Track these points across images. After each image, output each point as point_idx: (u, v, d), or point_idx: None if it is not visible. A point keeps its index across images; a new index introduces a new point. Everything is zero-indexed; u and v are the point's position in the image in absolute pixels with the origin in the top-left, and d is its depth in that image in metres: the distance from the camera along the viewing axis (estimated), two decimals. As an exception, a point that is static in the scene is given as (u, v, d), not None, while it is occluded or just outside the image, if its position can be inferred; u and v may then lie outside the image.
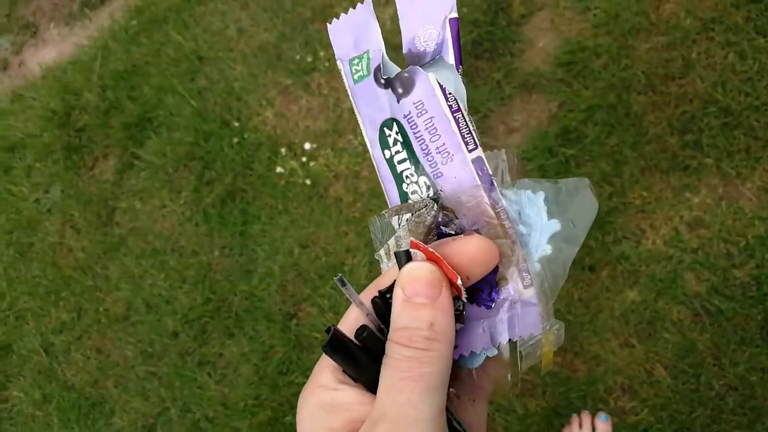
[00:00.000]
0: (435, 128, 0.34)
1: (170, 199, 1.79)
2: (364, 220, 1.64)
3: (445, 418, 0.31)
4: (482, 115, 1.66)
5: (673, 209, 1.47)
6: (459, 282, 0.32)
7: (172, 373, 1.67)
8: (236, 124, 1.79)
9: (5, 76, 2.20)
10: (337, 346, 0.32)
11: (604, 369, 1.44)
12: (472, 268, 0.32)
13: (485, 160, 0.34)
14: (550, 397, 1.47)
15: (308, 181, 1.69)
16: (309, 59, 1.79)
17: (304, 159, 1.72)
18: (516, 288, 0.34)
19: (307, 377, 0.35)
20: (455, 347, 0.33)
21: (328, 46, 1.82)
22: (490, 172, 0.34)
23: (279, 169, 1.72)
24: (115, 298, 1.77)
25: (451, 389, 0.37)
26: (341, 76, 0.38)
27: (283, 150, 1.74)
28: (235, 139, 1.78)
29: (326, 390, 0.33)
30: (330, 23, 0.38)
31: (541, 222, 0.34)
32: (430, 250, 0.32)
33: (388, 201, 0.37)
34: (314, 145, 1.73)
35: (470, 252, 0.32)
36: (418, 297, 0.31)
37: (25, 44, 2.25)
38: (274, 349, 1.61)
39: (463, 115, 0.34)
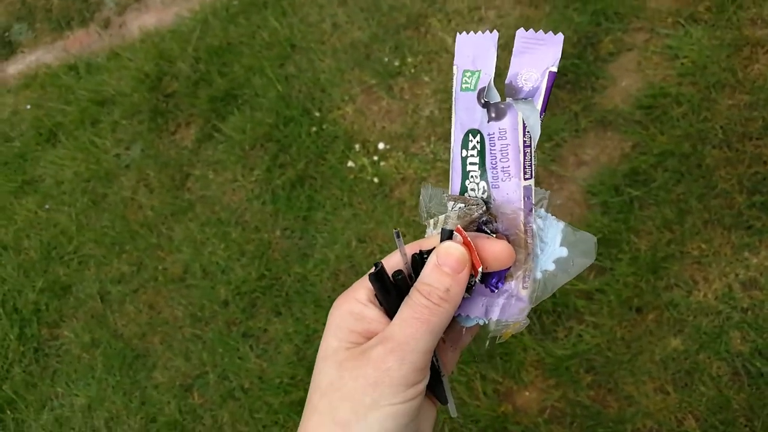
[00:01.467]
0: (507, 153, 0.43)
1: (242, 175, 1.88)
2: (424, 225, 1.70)
3: (432, 355, 0.42)
4: (555, 144, 1.71)
5: (729, 266, 1.49)
6: (480, 269, 0.42)
7: (216, 340, 1.75)
8: (317, 114, 1.87)
9: (106, 34, 2.34)
10: (378, 278, 0.43)
11: (635, 410, 1.46)
12: (491, 262, 0.43)
13: (533, 190, 0.43)
14: (577, 428, 1.50)
15: (376, 180, 1.75)
16: (396, 63, 1.86)
17: (375, 158, 1.79)
18: (517, 286, 0.44)
19: None
20: (458, 308, 0.45)
21: (417, 53, 1.89)
22: (533, 201, 0.43)
23: (350, 164, 1.79)
24: (175, 259, 1.86)
25: (443, 336, 0.48)
26: (451, 80, 0.47)
27: (357, 146, 1.81)
28: (314, 128, 1.86)
29: (358, 303, 0.44)
30: (460, 34, 0.46)
31: (554, 245, 0.44)
32: (468, 238, 0.42)
33: (450, 187, 0.47)
34: (387, 146, 1.80)
35: (495, 251, 0.43)
36: (446, 266, 0.42)
37: (129, 6, 2.39)
38: (317, 333, 1.67)
39: (531, 151, 0.43)
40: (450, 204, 0.46)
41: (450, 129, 0.47)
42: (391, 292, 0.44)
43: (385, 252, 1.70)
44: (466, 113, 0.45)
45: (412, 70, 1.85)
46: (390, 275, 0.44)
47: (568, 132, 1.70)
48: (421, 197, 0.48)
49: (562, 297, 1.54)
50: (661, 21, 1.75)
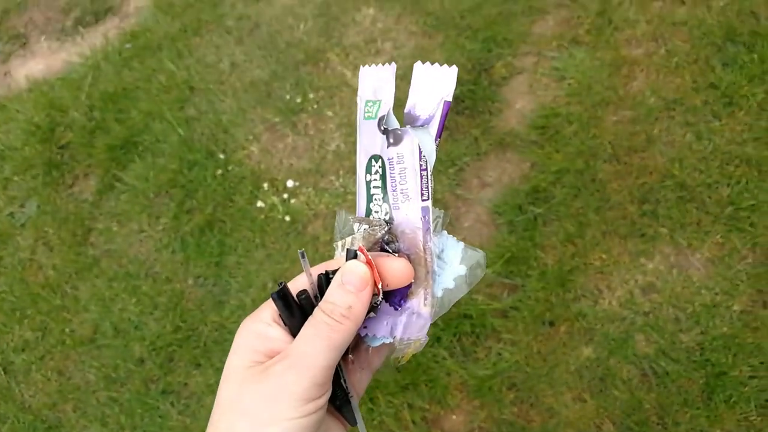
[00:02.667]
0: (405, 176, 0.46)
1: (148, 224, 1.81)
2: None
3: (333, 372, 0.43)
4: (458, 168, 1.75)
5: (629, 273, 1.57)
6: (380, 285, 0.44)
7: (134, 400, 1.67)
8: (221, 156, 1.84)
9: (-11, 86, 2.21)
10: (282, 297, 0.45)
11: (556, 421, 1.51)
12: (391, 279, 0.45)
13: (430, 211, 0.46)
14: (505, 444, 1.53)
15: (288, 218, 1.74)
16: (298, 100, 1.86)
17: (285, 196, 1.77)
18: (418, 303, 0.46)
19: None
20: (364, 327, 0.47)
21: (317, 88, 1.89)
22: (430, 221, 0.46)
23: (259, 204, 1.77)
24: (83, 319, 1.77)
25: (350, 356, 0.50)
26: (355, 111, 0.49)
27: (265, 185, 1.79)
28: (219, 171, 1.82)
29: (262, 323, 0.45)
30: (362, 66, 0.50)
31: (454, 264, 0.47)
32: (369, 257, 0.44)
33: (357, 210, 0.49)
34: (296, 183, 1.79)
35: (395, 268, 0.45)
36: (349, 285, 0.43)
37: (13, 54, 2.27)
38: (240, 380, 1.63)
39: (428, 174, 0.45)
40: (356, 226, 0.48)
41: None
42: (295, 312, 0.45)
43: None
44: (368, 140, 0.47)
45: (315, 106, 1.86)
46: (295, 295, 0.45)
47: (470, 156, 1.75)
48: (335, 223, 0.49)
49: (479, 318, 1.58)
50: (546, 45, 1.84)
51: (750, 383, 1.46)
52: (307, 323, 0.43)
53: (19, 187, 1.96)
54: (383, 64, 0.48)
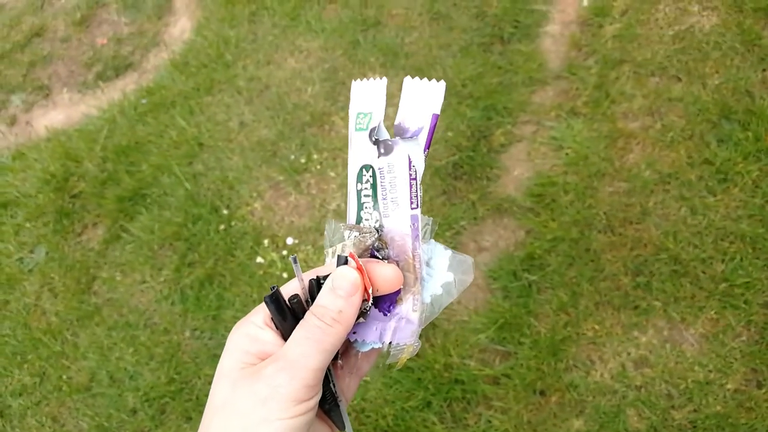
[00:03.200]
0: (395, 185, 0.48)
1: (151, 276, 1.86)
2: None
3: (323, 373, 0.44)
4: (455, 232, 1.78)
5: (621, 345, 1.57)
6: (370, 291, 0.46)
7: (125, 450, 1.68)
8: (225, 211, 1.89)
9: (11, 133, 2.30)
10: (274, 301, 0.46)
11: (545, 495, 1.48)
12: (381, 285, 0.47)
13: (419, 219, 0.48)
14: None
15: (285, 275, 1.77)
16: (302, 160, 1.92)
17: (284, 252, 1.81)
18: (407, 309, 0.48)
19: None
20: (354, 333, 0.49)
21: (322, 150, 1.95)
22: (419, 228, 0.48)
23: (259, 259, 1.81)
24: (81, 366, 1.80)
25: (339, 360, 0.51)
26: (347, 131, 0.52)
27: (266, 241, 1.83)
28: (222, 226, 1.87)
29: (254, 325, 0.46)
30: (354, 81, 0.52)
31: (442, 271, 0.49)
32: (360, 263, 0.46)
33: (347, 218, 0.51)
34: (296, 241, 1.83)
35: (385, 274, 0.47)
36: (340, 290, 0.45)
37: (36, 104, 2.37)
38: (229, 436, 1.64)
39: (417, 183, 0.47)
40: (346, 233, 0.49)
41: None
42: (287, 316, 0.46)
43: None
44: (359, 150, 0.49)
45: (318, 166, 1.91)
46: (286, 299, 0.46)
47: (467, 220, 1.78)
48: (325, 232, 0.51)
49: (470, 383, 1.58)
50: (545, 114, 1.89)
51: (743, 465, 1.43)
52: (298, 326, 0.44)
53: (30, 234, 2.02)
54: (374, 78, 0.50)
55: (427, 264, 0.49)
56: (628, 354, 1.56)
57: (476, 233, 1.78)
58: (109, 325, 1.83)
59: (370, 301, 0.47)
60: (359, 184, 0.50)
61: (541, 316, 1.64)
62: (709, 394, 1.50)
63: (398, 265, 0.48)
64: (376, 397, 1.60)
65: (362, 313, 0.47)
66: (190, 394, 1.70)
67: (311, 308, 0.45)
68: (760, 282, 1.56)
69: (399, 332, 0.48)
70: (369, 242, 0.48)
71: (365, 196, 0.49)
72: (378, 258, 0.48)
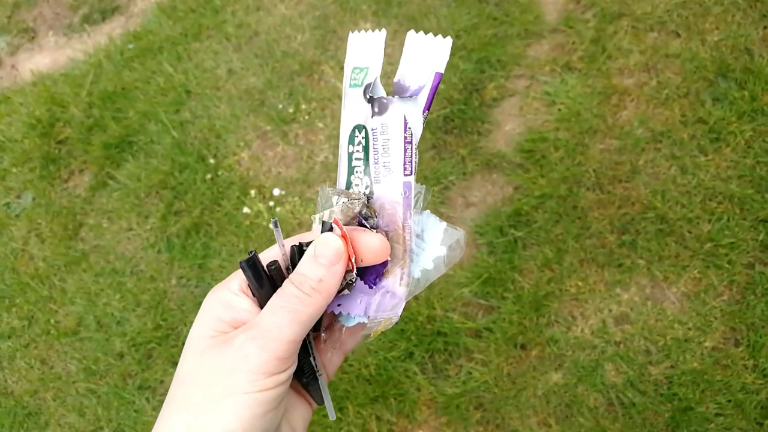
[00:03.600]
0: (389, 148, 0.44)
1: (137, 223, 1.85)
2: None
3: (298, 346, 0.41)
4: (444, 186, 1.77)
5: (603, 302, 1.58)
6: (353, 260, 0.43)
7: (112, 394, 1.71)
8: (212, 160, 1.87)
9: (-4, 77, 2.26)
10: (251, 266, 0.43)
11: (521, 444, 1.52)
12: (366, 255, 0.43)
13: (412, 187, 0.44)
14: (469, 464, 1.55)
15: (271, 226, 1.77)
16: (291, 110, 1.89)
17: (271, 203, 1.80)
18: (393, 282, 0.45)
19: None
20: (339, 305, 0.46)
21: (310, 99, 1.92)
22: (412, 197, 0.44)
23: (246, 210, 1.80)
24: (68, 311, 1.81)
25: (323, 334, 0.48)
26: (341, 82, 0.48)
27: (252, 192, 1.82)
28: (209, 175, 1.85)
29: (230, 292, 0.43)
30: (352, 32, 0.48)
31: (435, 245, 0.46)
32: (345, 230, 0.43)
33: (337, 182, 0.47)
34: (283, 192, 1.82)
35: (370, 244, 0.43)
36: (321, 257, 0.42)
37: (21, 47, 2.32)
38: (214, 382, 1.66)
39: (412, 147, 0.43)
40: (334, 198, 0.46)
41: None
42: (265, 283, 0.43)
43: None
44: (353, 109, 0.45)
45: (307, 117, 1.88)
46: (265, 266, 0.43)
47: (455, 175, 1.77)
48: (318, 197, 0.48)
49: (452, 336, 1.60)
50: (540, 69, 1.85)
51: (716, 420, 1.46)
52: (275, 295, 0.41)
53: (16, 179, 2.00)
54: (373, 30, 0.45)
55: (419, 236, 0.46)
56: (610, 311, 1.58)
57: (465, 188, 1.77)
58: (96, 272, 1.83)
59: (354, 271, 0.43)
60: (351, 147, 0.46)
61: (526, 271, 1.65)
62: (686, 351, 1.52)
63: (387, 235, 0.44)
64: (359, 347, 1.62)
65: (347, 285, 0.44)
66: (176, 341, 1.72)
67: (290, 276, 0.42)
68: (745, 242, 1.56)
69: (382, 305, 0.45)
70: (357, 209, 0.45)
71: (356, 159, 0.45)
72: (366, 227, 0.45)
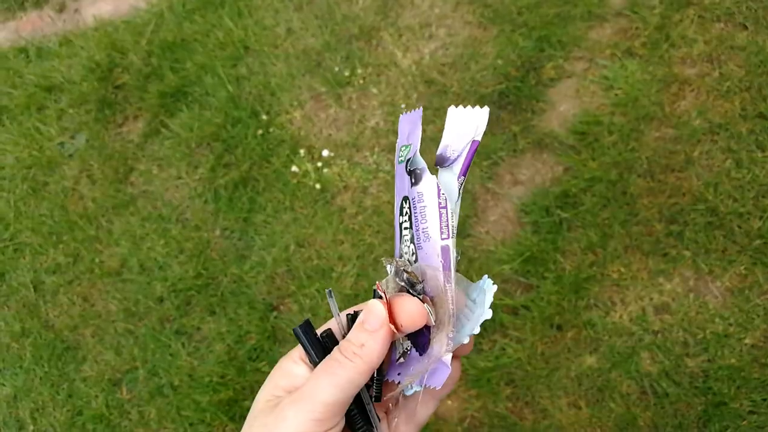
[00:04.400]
0: (425, 215, 0.45)
1: (186, 173, 1.89)
2: (363, 233, 1.74)
3: (338, 409, 0.42)
4: (493, 162, 1.77)
5: (645, 290, 1.57)
6: (394, 326, 0.44)
7: (149, 336, 1.75)
8: (264, 117, 1.89)
9: (59, 19, 2.31)
10: (304, 332, 0.45)
11: (548, 423, 1.52)
12: (404, 320, 0.44)
13: (451, 250, 0.45)
14: (494, 437, 1.56)
15: (318, 186, 1.79)
16: (346, 73, 1.90)
17: (319, 164, 1.82)
18: (438, 350, 0.45)
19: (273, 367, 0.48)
20: (398, 374, 0.47)
21: (366, 64, 1.93)
22: (452, 260, 0.45)
23: (294, 168, 1.82)
24: (113, 252, 1.86)
25: (390, 405, 0.49)
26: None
27: (302, 151, 1.84)
28: (260, 131, 1.88)
29: (291, 360, 0.46)
30: (401, 114, 0.51)
31: (484, 308, 0.45)
32: (385, 297, 0.44)
33: (394, 252, 0.50)
34: (332, 154, 1.83)
35: (406, 309, 0.44)
36: (366, 323, 0.43)
37: (84, -6, 2.36)
38: (249, 334, 1.70)
39: (447, 212, 0.45)
40: (387, 267, 0.47)
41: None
42: (316, 349, 0.45)
43: (323, 258, 1.74)
44: (400, 183, 0.48)
45: (361, 81, 1.89)
46: (319, 333, 0.46)
47: (506, 151, 1.76)
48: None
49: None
50: (600, 52, 1.83)
51: (749, 418, 1.45)
52: (322, 361, 0.44)
53: (72, 120, 2.05)
54: (415, 110, 0.49)
55: (474, 301, 0.46)
56: (651, 299, 1.56)
57: (513, 165, 1.77)
58: (143, 216, 1.87)
59: (400, 337, 0.44)
60: (401, 217, 0.48)
61: (568, 253, 1.64)
62: (725, 347, 1.50)
63: (432, 300, 0.45)
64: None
65: (403, 354, 0.45)
66: (215, 290, 1.76)
67: (340, 342, 0.44)
68: (796, 243, 1.54)
69: (435, 375, 0.45)
70: (404, 276, 0.46)
71: (405, 228, 0.47)
72: (412, 293, 0.45)
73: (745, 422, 1.44)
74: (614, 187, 1.66)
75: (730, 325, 1.52)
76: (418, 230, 0.45)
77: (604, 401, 1.51)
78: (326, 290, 0.47)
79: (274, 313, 1.70)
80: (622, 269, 1.59)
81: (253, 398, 0.46)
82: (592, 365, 1.54)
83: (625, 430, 1.49)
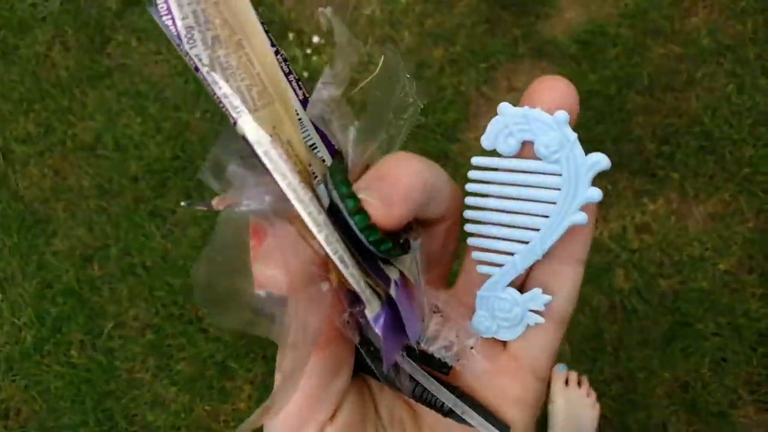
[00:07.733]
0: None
1: (167, 48, 1.78)
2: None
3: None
4: (490, 65, 1.69)
5: (627, 209, 1.56)
6: None
7: (122, 215, 1.71)
8: (253, -5, 1.77)
9: None
10: None
11: (517, 329, 1.55)
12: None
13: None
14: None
15: (306, 74, 1.70)
16: (343, -45, 1.77)
17: (308, 51, 1.73)
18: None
19: None
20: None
21: (365, -53, 1.79)
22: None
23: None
24: (86, 126, 1.78)
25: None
26: None
27: (291, 35, 1.74)
28: (248, 10, 1.76)
29: None
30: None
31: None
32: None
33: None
34: (322, 41, 1.73)
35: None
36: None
37: None
38: (226, 220, 1.67)
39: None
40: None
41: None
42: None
43: (305, 150, 1.68)
44: None
45: (360, -35, 1.76)
46: None
47: (505, 55, 1.69)
48: None
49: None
50: (615, -43, 1.72)
51: (712, 339, 1.49)
52: None
53: (44, -20, 1.90)
54: None
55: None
56: (632, 218, 1.56)
57: (511, 71, 1.70)
58: (119, 91, 1.78)
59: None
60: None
61: (556, 166, 1.61)
62: (699, 270, 1.52)
63: None
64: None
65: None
66: (192, 174, 1.71)
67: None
68: (785, 174, 1.52)
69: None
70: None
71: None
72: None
73: (708, 343, 1.49)
74: (611, 102, 1.61)
75: (707, 249, 1.53)
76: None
77: (574, 314, 1.53)
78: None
79: (252, 202, 1.66)
80: (609, 186, 1.57)
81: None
82: (565, 278, 1.55)
83: (591, 341, 1.53)
